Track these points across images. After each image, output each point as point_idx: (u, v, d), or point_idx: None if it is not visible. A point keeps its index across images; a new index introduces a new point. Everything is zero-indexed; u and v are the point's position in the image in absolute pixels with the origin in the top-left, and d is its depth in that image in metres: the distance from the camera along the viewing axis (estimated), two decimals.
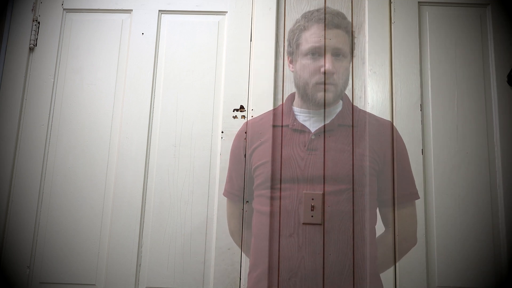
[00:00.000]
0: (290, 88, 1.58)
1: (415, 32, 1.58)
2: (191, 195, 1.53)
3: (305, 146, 1.51)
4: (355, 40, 1.59)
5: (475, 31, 1.59)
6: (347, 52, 1.57)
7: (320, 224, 1.46)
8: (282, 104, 1.56)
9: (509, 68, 1.55)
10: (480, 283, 1.43)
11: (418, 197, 1.47)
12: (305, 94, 1.54)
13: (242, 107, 1.57)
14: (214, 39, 1.63)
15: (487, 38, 1.58)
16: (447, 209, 1.47)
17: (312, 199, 1.47)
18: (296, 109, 1.55)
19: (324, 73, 1.53)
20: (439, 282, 1.43)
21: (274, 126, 1.54)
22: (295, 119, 1.54)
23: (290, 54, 1.59)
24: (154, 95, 1.60)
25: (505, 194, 1.47)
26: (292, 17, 1.62)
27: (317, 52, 1.55)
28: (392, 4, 1.60)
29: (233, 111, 1.57)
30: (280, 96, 1.57)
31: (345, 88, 1.56)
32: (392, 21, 1.59)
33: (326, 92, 1.53)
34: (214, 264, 1.47)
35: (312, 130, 1.52)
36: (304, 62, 1.55)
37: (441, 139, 1.52)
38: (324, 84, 1.53)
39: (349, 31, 1.59)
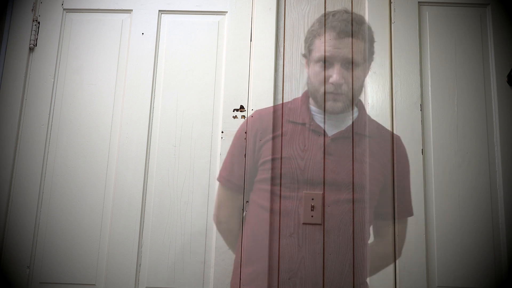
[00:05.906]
0: (290, 88, 1.57)
1: (415, 32, 1.58)
2: (191, 195, 1.53)
3: (321, 148, 1.50)
4: (374, 44, 1.57)
5: (475, 31, 1.59)
6: (360, 61, 1.55)
7: (320, 224, 1.46)
8: (298, 99, 1.54)
9: (509, 68, 1.55)
10: (480, 283, 1.43)
11: (411, 214, 1.46)
12: (315, 100, 1.54)
13: (242, 107, 1.57)
14: (214, 39, 1.63)
15: (487, 38, 1.58)
16: (447, 209, 1.48)
17: (312, 199, 1.47)
18: (313, 108, 1.54)
19: (325, 82, 1.52)
20: (439, 282, 1.43)
21: (290, 121, 1.53)
22: (313, 119, 1.53)
23: (305, 57, 1.59)
24: (154, 95, 1.60)
25: (505, 194, 1.47)
26: (292, 17, 1.62)
27: (326, 62, 1.54)
28: (392, 4, 1.60)
29: (233, 111, 1.57)
30: (280, 96, 1.57)
31: (358, 96, 1.54)
32: (392, 21, 1.59)
33: (335, 101, 1.52)
34: (214, 264, 1.47)
35: (329, 134, 1.51)
36: (315, 69, 1.54)
37: (441, 139, 1.52)
38: (325, 94, 1.53)
39: (365, 38, 1.56)
